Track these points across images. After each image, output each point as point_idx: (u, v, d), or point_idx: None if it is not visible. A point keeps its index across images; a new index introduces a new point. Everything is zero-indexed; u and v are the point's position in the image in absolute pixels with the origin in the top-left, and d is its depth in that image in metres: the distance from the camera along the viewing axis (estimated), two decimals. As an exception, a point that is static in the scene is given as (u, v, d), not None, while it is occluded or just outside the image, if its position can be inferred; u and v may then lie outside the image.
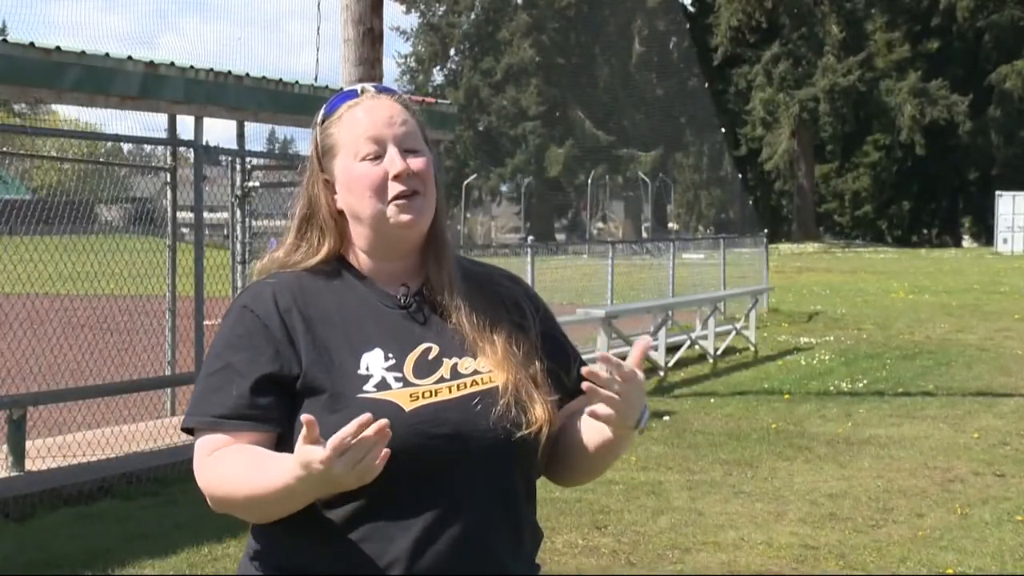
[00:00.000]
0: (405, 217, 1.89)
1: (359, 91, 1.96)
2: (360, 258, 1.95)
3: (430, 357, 1.87)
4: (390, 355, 1.85)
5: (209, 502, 1.86)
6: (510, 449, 1.84)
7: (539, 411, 1.86)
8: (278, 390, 1.84)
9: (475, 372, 1.88)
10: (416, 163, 1.89)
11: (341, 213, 1.94)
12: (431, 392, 1.83)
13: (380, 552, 1.78)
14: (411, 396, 1.81)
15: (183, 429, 1.91)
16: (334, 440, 1.62)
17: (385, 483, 1.74)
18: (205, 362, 1.92)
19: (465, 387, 1.85)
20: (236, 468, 1.79)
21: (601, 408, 1.79)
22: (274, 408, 1.84)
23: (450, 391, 1.84)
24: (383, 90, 1.96)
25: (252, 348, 1.86)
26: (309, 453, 1.64)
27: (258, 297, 1.91)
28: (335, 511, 1.79)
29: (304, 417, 1.64)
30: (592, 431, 1.88)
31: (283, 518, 1.81)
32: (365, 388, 1.81)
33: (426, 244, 1.95)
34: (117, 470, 7.28)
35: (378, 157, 1.89)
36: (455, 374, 1.86)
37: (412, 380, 1.84)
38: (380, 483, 1.74)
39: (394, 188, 1.88)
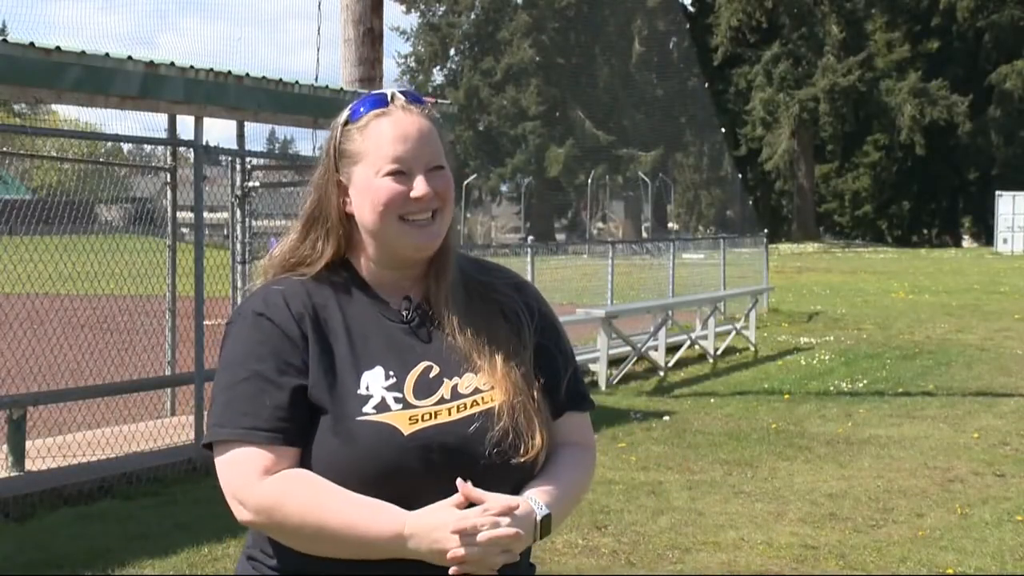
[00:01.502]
0: (418, 241, 1.88)
1: (389, 97, 1.91)
2: (366, 264, 1.94)
3: (431, 376, 1.87)
4: (391, 373, 1.84)
5: (254, 519, 1.79)
6: (507, 471, 1.84)
7: (537, 438, 1.86)
8: (304, 404, 1.82)
9: (475, 391, 1.87)
10: (439, 184, 1.88)
11: (350, 217, 1.92)
12: (431, 414, 1.82)
13: (378, 562, 1.78)
14: (410, 419, 1.81)
15: (204, 445, 1.86)
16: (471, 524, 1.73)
17: (384, 500, 1.76)
18: (223, 372, 1.86)
19: (465, 408, 1.84)
20: (321, 499, 1.75)
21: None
22: (303, 423, 1.81)
23: (450, 413, 1.84)
24: (413, 100, 1.92)
25: (277, 357, 1.83)
26: (447, 527, 1.73)
27: (271, 304, 1.88)
28: None
29: (461, 487, 1.75)
30: None
31: None
32: (364, 409, 1.81)
33: (433, 257, 1.95)
34: (117, 470, 7.28)
35: (402, 174, 1.87)
36: (455, 395, 1.86)
37: (412, 401, 1.83)
38: (379, 498, 1.76)
39: (413, 210, 1.87)
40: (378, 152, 1.87)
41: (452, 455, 1.80)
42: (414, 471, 1.77)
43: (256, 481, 1.77)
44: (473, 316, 1.93)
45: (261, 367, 1.82)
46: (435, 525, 1.73)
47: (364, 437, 1.78)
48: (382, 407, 1.81)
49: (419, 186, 1.86)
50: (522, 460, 1.85)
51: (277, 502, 1.76)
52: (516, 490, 1.86)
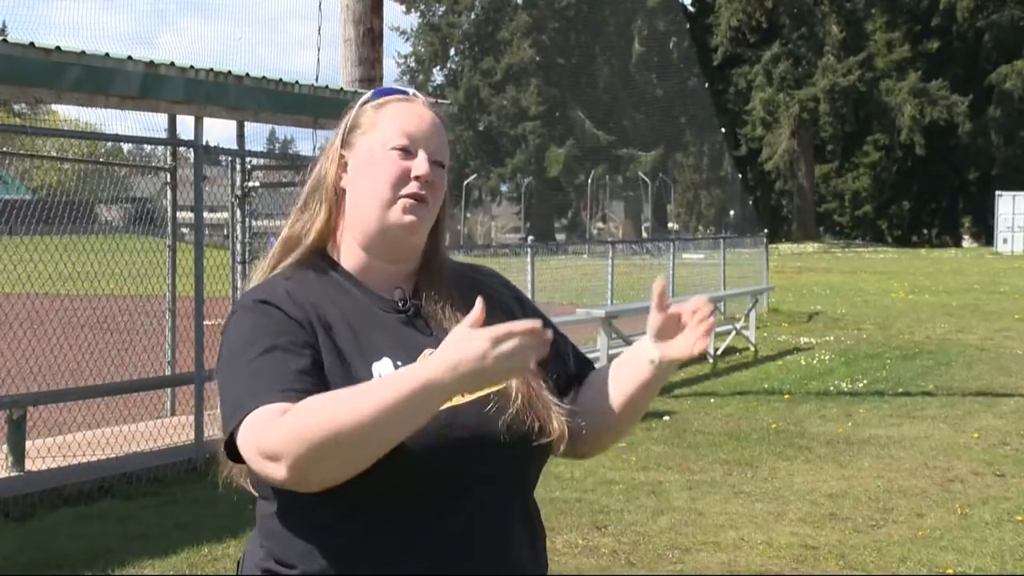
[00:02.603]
0: (409, 218, 1.89)
1: (411, 93, 1.98)
2: (352, 255, 1.94)
3: None
4: (399, 363, 1.84)
5: (291, 459, 1.64)
6: (527, 452, 1.84)
7: (555, 423, 1.86)
8: (323, 376, 1.78)
9: None
10: (436, 175, 1.91)
11: (342, 194, 1.94)
12: None
13: (402, 557, 1.77)
14: None
15: (229, 432, 1.74)
16: (492, 331, 1.61)
17: (407, 488, 1.74)
18: (234, 359, 1.79)
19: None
20: (342, 397, 1.67)
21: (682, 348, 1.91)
22: (325, 390, 1.76)
23: (463, 395, 1.81)
24: (431, 104, 1.98)
25: (292, 334, 1.80)
26: (468, 342, 1.61)
27: (273, 294, 1.86)
28: (354, 516, 1.76)
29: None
30: (628, 381, 1.93)
31: (300, 523, 1.78)
32: None
33: (423, 257, 1.96)
34: (117, 470, 7.28)
35: (408, 153, 1.90)
36: None
37: None
38: (401, 488, 1.73)
39: (410, 186, 1.89)
40: (390, 125, 1.91)
41: (473, 435, 1.80)
42: (437, 453, 1.76)
43: (278, 420, 1.68)
44: (469, 305, 1.93)
45: (278, 341, 1.78)
46: (455, 339, 1.64)
47: None
48: None
49: (421, 164, 1.89)
50: (542, 444, 1.85)
51: (305, 421, 1.65)
52: (536, 471, 1.88)
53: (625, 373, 1.95)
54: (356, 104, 1.98)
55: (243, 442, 1.71)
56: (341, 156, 1.94)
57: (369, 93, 1.99)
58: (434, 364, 1.64)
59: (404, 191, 1.89)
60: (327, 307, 1.87)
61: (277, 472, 1.67)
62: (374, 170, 1.90)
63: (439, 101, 12.10)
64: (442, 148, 1.94)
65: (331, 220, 1.94)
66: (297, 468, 1.65)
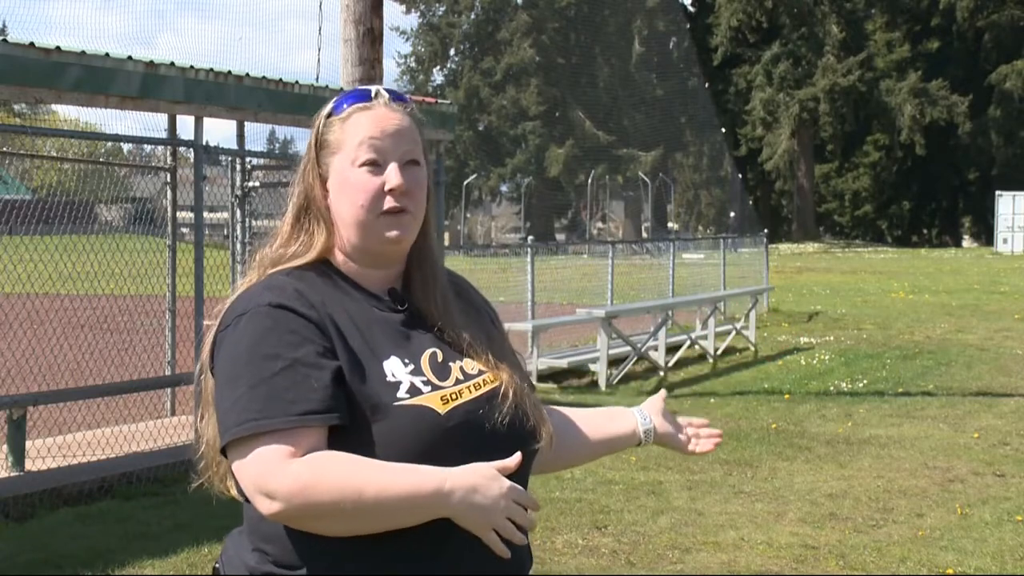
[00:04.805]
0: (392, 233, 1.88)
1: (372, 93, 1.94)
2: (344, 260, 1.94)
3: (439, 360, 1.88)
4: (407, 360, 1.85)
5: (281, 504, 1.70)
6: (530, 445, 1.87)
7: (549, 425, 1.92)
8: (343, 384, 1.79)
9: (480, 372, 1.89)
10: (412, 180, 1.89)
11: (329, 209, 1.93)
12: (456, 394, 1.84)
13: (409, 556, 1.77)
14: (442, 399, 1.82)
15: (230, 441, 1.76)
16: (514, 487, 1.74)
17: None
18: (250, 366, 1.78)
19: (480, 387, 1.87)
20: (355, 468, 1.71)
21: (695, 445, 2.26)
22: (346, 402, 1.78)
23: (470, 391, 1.85)
24: (396, 98, 1.94)
25: (312, 343, 1.79)
26: (494, 480, 1.73)
27: (284, 295, 1.84)
28: None
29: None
30: (606, 430, 2.18)
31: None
32: (399, 395, 1.80)
33: (411, 257, 1.96)
34: (117, 470, 7.28)
35: (377, 166, 1.88)
36: (466, 375, 1.88)
37: (437, 383, 1.84)
38: None
39: (386, 202, 1.87)
40: (355, 140, 1.89)
41: (484, 430, 1.83)
42: (451, 450, 1.78)
43: (285, 464, 1.71)
44: (457, 306, 1.97)
45: (298, 354, 1.78)
46: (474, 474, 1.73)
47: (404, 421, 1.78)
48: (414, 391, 1.81)
49: (392, 176, 1.87)
50: (546, 441, 1.90)
51: (313, 477, 1.70)
52: (529, 471, 1.90)
53: (604, 424, 2.19)
54: (322, 116, 1.94)
55: (245, 473, 1.75)
56: (319, 174, 1.92)
57: (330, 104, 1.95)
58: (453, 477, 1.71)
59: (382, 208, 1.87)
60: (334, 307, 1.87)
61: (267, 508, 1.73)
62: (348, 192, 1.88)
63: (438, 101, 12.10)
64: (413, 147, 1.91)
65: (328, 238, 1.93)
66: (287, 514, 1.72)
